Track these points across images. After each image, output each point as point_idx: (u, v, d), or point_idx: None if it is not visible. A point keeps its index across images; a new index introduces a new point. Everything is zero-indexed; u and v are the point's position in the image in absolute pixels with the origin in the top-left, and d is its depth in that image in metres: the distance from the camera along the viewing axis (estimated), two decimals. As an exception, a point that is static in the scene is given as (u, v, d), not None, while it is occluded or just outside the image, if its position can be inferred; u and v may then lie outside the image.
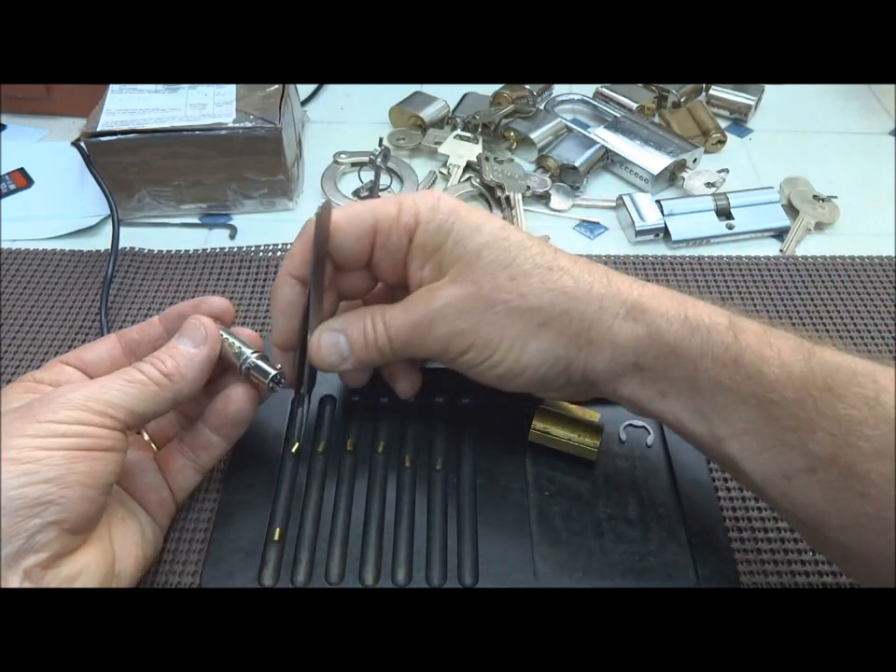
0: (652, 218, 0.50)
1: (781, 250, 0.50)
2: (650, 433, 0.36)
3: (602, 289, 0.30)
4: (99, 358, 0.33)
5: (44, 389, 0.30)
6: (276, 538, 0.33)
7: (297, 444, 0.36)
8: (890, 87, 0.65)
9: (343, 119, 0.62)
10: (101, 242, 0.50)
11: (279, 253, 0.49)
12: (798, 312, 0.45)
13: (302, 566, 0.32)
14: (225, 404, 0.32)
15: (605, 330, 0.29)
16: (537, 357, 0.30)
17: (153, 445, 0.34)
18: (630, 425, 0.37)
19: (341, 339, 0.32)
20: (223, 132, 0.48)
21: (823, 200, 0.52)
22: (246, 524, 0.33)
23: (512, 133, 0.58)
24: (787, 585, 0.32)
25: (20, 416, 0.26)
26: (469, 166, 0.55)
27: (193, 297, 0.46)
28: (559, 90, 0.64)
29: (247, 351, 0.32)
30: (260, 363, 0.32)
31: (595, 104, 0.62)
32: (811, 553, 0.33)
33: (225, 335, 0.33)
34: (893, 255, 0.49)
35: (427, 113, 0.60)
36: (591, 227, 0.52)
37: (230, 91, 0.51)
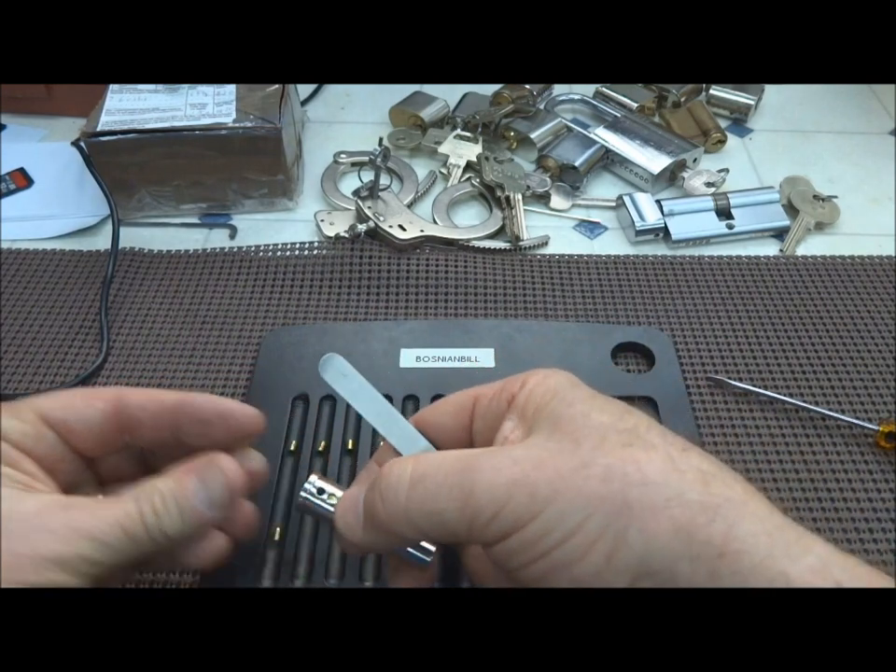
0: (652, 218, 0.50)
1: (781, 250, 0.50)
2: None
3: (762, 505, 0.21)
4: (86, 430, 0.26)
5: (26, 465, 0.24)
6: (276, 537, 0.33)
7: (294, 443, 0.36)
8: (890, 87, 0.65)
9: (342, 119, 0.62)
10: (101, 242, 0.50)
11: (279, 253, 0.49)
12: (798, 312, 0.45)
13: (302, 565, 0.32)
14: (201, 552, 0.27)
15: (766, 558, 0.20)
16: (643, 557, 0.20)
17: None
18: None
19: (361, 497, 0.25)
20: (223, 132, 0.48)
21: (823, 200, 0.52)
22: None
23: (512, 133, 0.58)
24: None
25: None
26: (469, 166, 0.55)
27: (193, 297, 0.46)
28: (559, 90, 0.64)
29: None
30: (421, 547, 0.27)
31: (595, 104, 0.62)
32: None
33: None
34: (893, 255, 0.49)
35: (427, 113, 0.60)
36: (591, 227, 0.52)
37: (230, 90, 0.51)
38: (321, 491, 0.27)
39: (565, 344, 0.41)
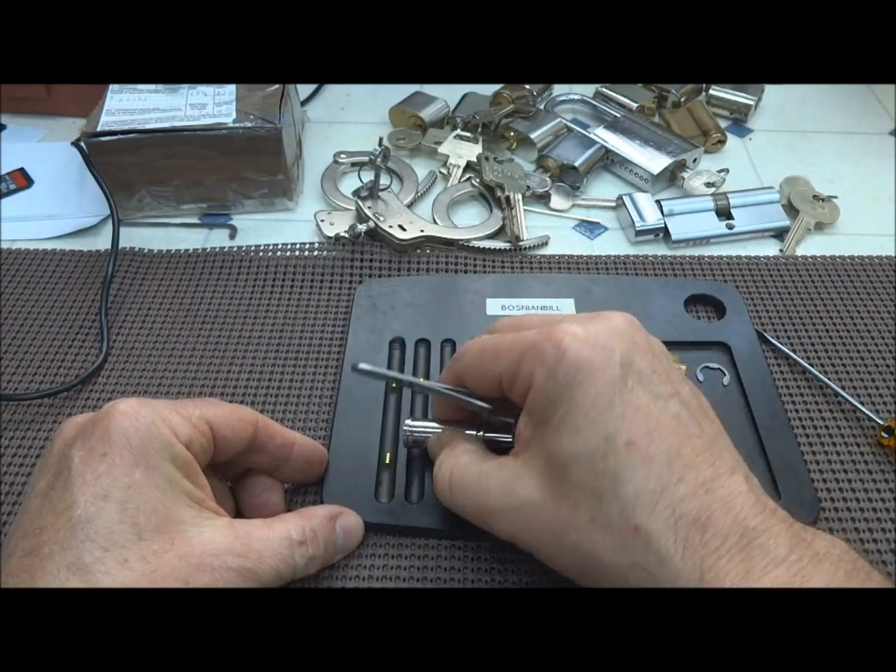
0: (652, 218, 0.50)
1: (781, 250, 0.50)
2: (725, 374, 0.39)
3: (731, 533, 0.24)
4: (231, 449, 0.31)
5: None
6: (387, 461, 0.36)
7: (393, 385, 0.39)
8: (890, 87, 0.65)
9: (343, 119, 0.62)
10: (101, 242, 0.50)
11: (279, 253, 0.49)
12: (798, 312, 0.45)
13: (415, 485, 0.35)
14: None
15: None
16: None
17: None
18: (706, 367, 0.40)
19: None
20: (223, 132, 0.48)
21: (823, 200, 0.52)
22: (359, 449, 0.36)
23: (512, 133, 0.58)
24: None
25: None
26: (469, 166, 0.55)
27: (193, 297, 0.46)
28: (559, 90, 0.64)
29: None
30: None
31: (595, 104, 0.62)
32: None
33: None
34: (893, 255, 0.49)
35: (427, 113, 0.59)
36: (591, 227, 0.52)
37: (230, 90, 0.51)
38: (415, 430, 0.34)
39: (640, 296, 0.44)
